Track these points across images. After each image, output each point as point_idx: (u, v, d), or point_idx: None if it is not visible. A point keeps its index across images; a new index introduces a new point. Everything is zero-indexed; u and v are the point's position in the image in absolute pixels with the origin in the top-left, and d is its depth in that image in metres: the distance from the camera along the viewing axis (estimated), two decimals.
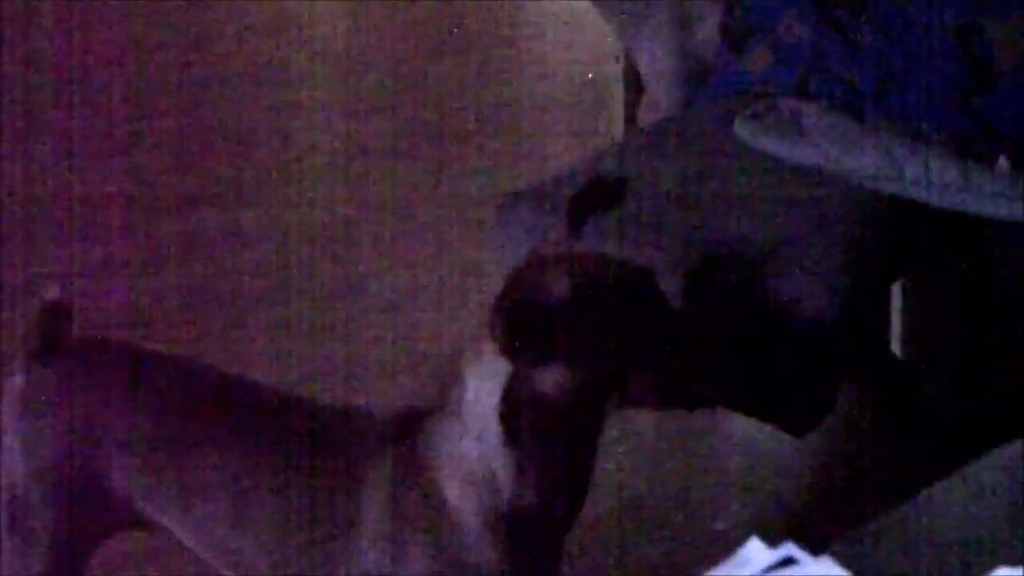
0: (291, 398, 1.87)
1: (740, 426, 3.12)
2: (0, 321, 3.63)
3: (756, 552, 1.31)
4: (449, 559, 1.72)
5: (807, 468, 2.98)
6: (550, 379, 1.65)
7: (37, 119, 5.02)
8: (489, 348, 1.67)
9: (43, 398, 1.90)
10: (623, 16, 3.28)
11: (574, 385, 1.65)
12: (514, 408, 1.67)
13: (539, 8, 6.32)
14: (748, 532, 2.77)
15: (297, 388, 3.26)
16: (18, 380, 1.93)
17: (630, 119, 3.62)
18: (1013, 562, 1.32)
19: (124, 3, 6.37)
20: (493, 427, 1.68)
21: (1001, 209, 2.60)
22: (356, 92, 5.33)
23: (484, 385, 1.68)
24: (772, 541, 2.56)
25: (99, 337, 2.01)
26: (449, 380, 1.74)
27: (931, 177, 2.61)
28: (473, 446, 1.70)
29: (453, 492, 1.72)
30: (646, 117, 3.39)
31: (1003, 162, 2.66)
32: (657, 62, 3.25)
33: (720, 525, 2.81)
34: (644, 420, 3.14)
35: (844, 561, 1.31)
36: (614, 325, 1.64)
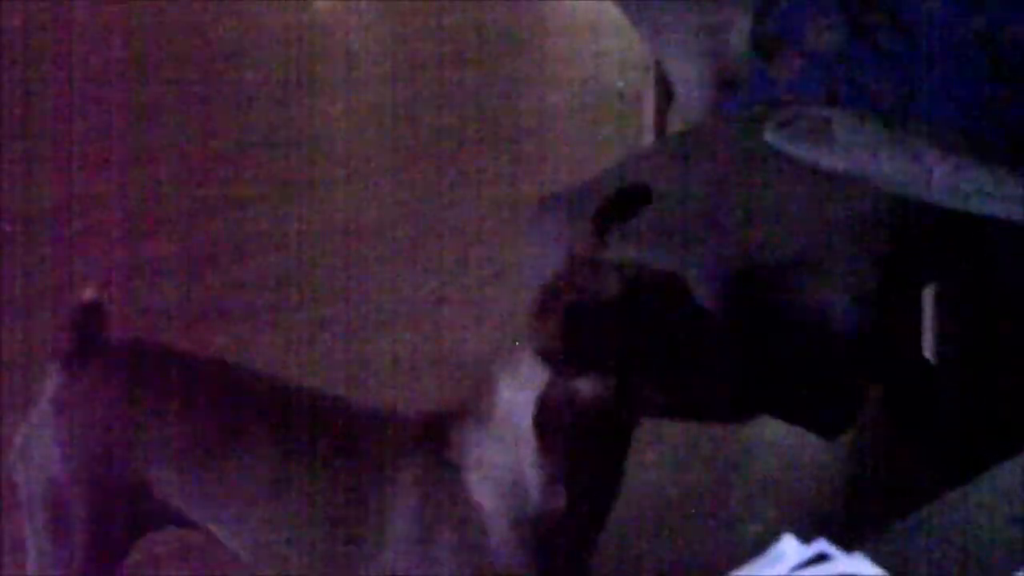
0: (324, 399, 1.89)
1: (771, 429, 3.12)
2: (35, 323, 3.65)
3: (789, 548, 1.32)
4: (477, 563, 1.73)
5: (838, 471, 2.98)
6: (589, 387, 1.65)
7: (75, 123, 5.06)
8: (527, 355, 1.67)
9: (78, 399, 1.92)
10: (654, 24, 3.29)
11: (612, 393, 1.65)
12: (549, 416, 1.67)
13: (568, 15, 6.34)
14: (779, 535, 2.77)
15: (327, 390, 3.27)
16: (54, 381, 1.95)
17: (660, 126, 3.62)
18: None
19: (157, 11, 6.41)
20: (526, 434, 1.69)
21: None
22: (384, 98, 5.34)
23: (519, 392, 1.68)
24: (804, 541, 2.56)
25: (134, 338, 2.02)
26: (479, 385, 1.74)
27: (960, 184, 2.61)
28: (505, 452, 1.70)
29: (483, 496, 1.72)
30: (676, 124, 3.39)
31: None
32: (687, 70, 3.26)
33: (751, 528, 2.81)
34: (674, 423, 3.15)
35: (876, 559, 1.32)
36: (655, 332, 1.64)
